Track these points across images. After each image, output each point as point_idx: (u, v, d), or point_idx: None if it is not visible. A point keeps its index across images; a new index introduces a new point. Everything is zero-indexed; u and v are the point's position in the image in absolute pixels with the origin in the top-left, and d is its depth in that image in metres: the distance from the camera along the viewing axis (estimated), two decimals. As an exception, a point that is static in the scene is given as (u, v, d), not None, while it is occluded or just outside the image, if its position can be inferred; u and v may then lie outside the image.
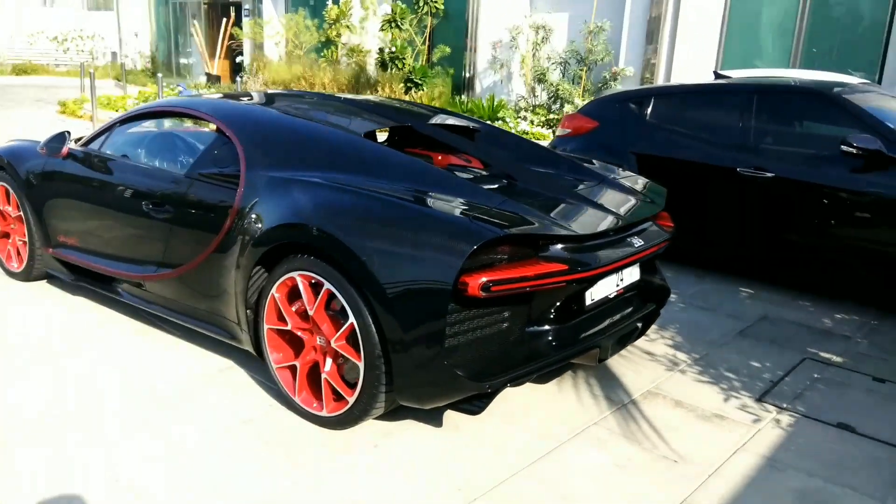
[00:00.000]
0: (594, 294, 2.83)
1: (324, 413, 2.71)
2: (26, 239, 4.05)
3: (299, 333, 2.77)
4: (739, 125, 4.64)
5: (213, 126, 3.47)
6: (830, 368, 3.48)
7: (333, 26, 14.66)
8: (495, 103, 12.06)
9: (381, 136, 4.32)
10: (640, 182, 3.51)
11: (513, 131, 11.13)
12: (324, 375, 2.70)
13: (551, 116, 11.67)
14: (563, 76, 11.89)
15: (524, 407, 2.98)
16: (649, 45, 11.11)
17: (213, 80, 18.08)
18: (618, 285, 2.98)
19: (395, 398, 2.60)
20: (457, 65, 13.57)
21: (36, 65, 22.89)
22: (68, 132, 3.88)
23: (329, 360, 2.70)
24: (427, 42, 13.64)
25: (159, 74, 9.91)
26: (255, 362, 3.24)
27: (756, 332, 3.94)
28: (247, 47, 17.38)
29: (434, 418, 2.83)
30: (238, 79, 11.58)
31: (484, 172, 3.48)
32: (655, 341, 3.74)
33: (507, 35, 12.50)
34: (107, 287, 3.69)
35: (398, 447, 2.64)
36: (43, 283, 4.22)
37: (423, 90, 12.71)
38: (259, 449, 2.60)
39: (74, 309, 3.87)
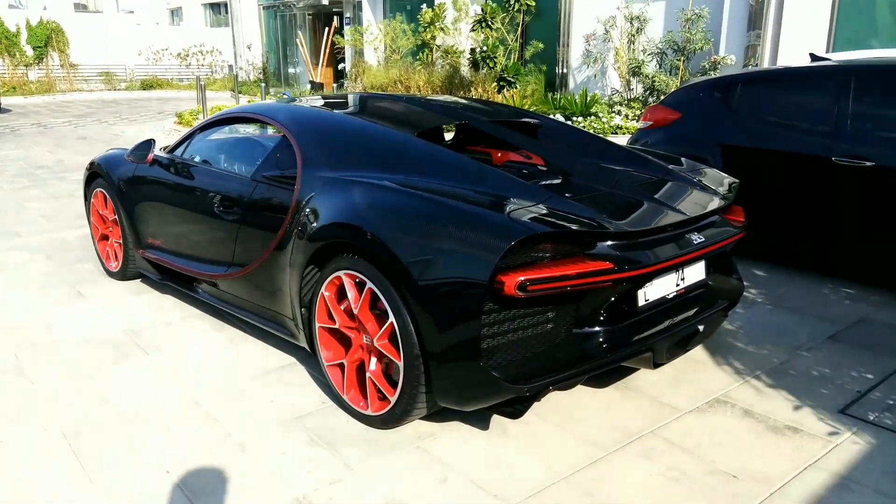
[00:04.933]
0: (648, 294, 2.68)
1: (369, 412, 2.74)
2: (122, 240, 4.37)
3: (346, 332, 2.81)
4: (835, 111, 4.25)
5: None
6: (932, 379, 3.12)
7: (428, 29, 14.85)
8: (588, 98, 11.77)
9: (448, 135, 4.32)
10: (709, 174, 3.30)
11: (605, 126, 10.82)
12: (368, 374, 2.72)
13: (648, 110, 11.23)
14: (660, 67, 11.43)
15: (579, 411, 2.87)
16: (752, 30, 10.44)
17: (316, 87, 18.80)
18: (678, 285, 2.81)
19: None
20: (550, 61, 13.36)
21: (161, 79, 24.80)
22: (153, 140, 4.15)
23: (374, 360, 2.72)
24: (520, 40, 13.51)
25: (262, 84, 10.42)
26: (314, 360, 3.33)
27: (850, 337, 3.60)
28: (348, 54, 17.95)
29: (481, 420, 2.79)
30: (337, 85, 11.96)
31: (543, 169, 3.39)
32: (734, 345, 3.50)
33: (601, 28, 12.17)
34: (188, 286, 3.91)
35: (441, 449, 2.62)
36: (137, 282, 4.54)
37: (515, 88, 12.60)
38: (304, 445, 2.65)
39: (162, 307, 4.12)
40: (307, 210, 2.95)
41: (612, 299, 2.58)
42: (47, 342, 3.62)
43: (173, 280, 4.05)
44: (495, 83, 12.78)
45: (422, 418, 2.77)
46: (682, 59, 11.01)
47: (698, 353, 3.40)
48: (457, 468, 2.50)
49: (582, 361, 2.51)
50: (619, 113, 11.50)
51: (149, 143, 4.11)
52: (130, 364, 3.36)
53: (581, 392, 3.01)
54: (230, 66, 25.95)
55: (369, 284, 2.61)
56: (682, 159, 3.57)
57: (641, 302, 2.66)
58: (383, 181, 2.80)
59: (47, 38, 22.86)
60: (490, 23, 12.82)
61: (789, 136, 4.45)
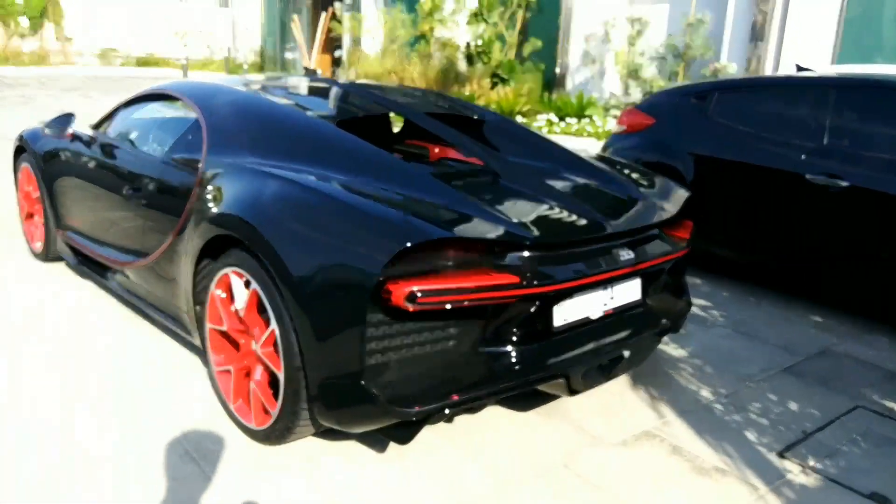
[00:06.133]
0: (567, 313, 2.39)
1: (252, 425, 2.46)
2: (44, 220, 4.09)
3: (235, 336, 2.53)
4: (813, 126, 3.95)
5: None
6: (886, 422, 2.82)
7: (426, 20, 14.53)
8: (584, 101, 11.47)
9: (396, 127, 4.03)
10: (658, 185, 3.01)
11: (599, 130, 10.53)
12: (252, 384, 2.44)
13: (642, 115, 10.91)
14: (659, 73, 11.11)
15: (491, 437, 2.59)
16: (754, 40, 10.14)
17: (309, 74, 18.46)
18: (605, 304, 2.52)
19: (319, 417, 2.29)
20: (548, 60, 13.04)
21: (158, 58, 24.42)
22: (73, 114, 3.86)
23: (259, 368, 2.44)
24: (519, 36, 13.19)
25: (245, 66, 10.12)
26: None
27: (807, 369, 3.31)
28: (346, 41, 17.61)
29: (378, 442, 2.50)
30: (331, 73, 11.66)
31: (476, 169, 3.10)
32: (679, 372, 3.21)
33: (602, 29, 11.86)
34: (101, 273, 3.64)
35: (326, 473, 2.34)
36: (60, 265, 4.26)
37: (509, 86, 12.30)
38: (176, 459, 2.37)
39: (77, 293, 3.84)
40: (205, 198, 2.67)
41: (524, 317, 2.29)
42: (-61, 324, 3.35)
43: (88, 265, 3.77)
44: (489, 79, 12.48)
45: (315, 435, 2.49)
46: (682, 64, 10.70)
47: (636, 378, 3.11)
48: (338, 497, 2.22)
49: (484, 385, 2.22)
50: (614, 117, 11.19)
51: (68, 118, 3.82)
52: (15, 351, 3.08)
53: (497, 415, 2.73)
54: (229, 49, 25.62)
55: (254, 285, 2.33)
56: (638, 167, 3.28)
57: (559, 322, 2.37)
58: (282, 171, 2.51)
59: (43, 9, 22.57)
60: (486, 16, 12.50)
61: (763, 150, 4.14)
